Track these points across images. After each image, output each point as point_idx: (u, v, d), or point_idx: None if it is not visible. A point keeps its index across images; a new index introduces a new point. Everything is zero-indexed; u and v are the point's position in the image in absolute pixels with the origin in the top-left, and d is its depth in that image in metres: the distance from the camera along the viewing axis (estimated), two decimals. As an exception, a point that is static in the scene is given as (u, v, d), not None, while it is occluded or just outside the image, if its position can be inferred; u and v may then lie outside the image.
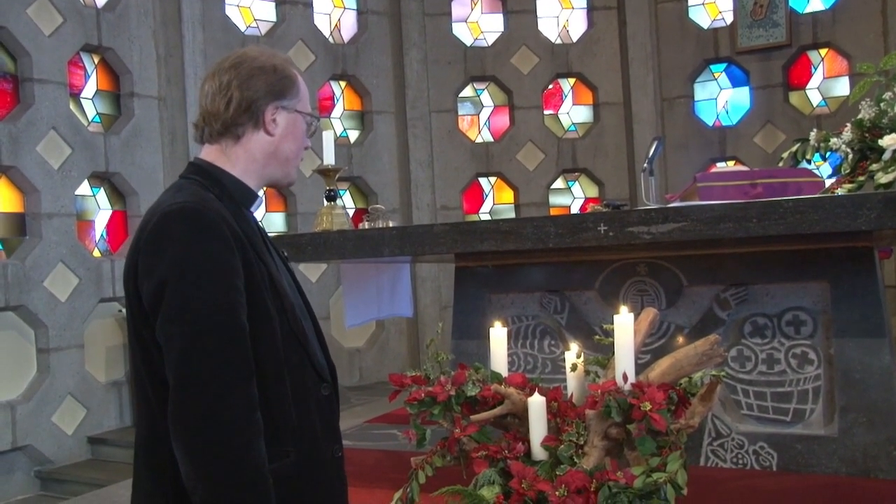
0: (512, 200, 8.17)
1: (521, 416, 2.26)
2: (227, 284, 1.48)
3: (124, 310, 1.65)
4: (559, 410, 2.22)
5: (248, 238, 1.57)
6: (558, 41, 8.18)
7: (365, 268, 4.51)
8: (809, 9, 7.46)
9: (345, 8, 7.95)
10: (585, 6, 8.19)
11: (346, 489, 1.76)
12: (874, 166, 4.06)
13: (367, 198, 7.86)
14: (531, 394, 2.22)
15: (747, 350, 3.39)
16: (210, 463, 1.42)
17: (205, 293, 1.46)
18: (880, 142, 4.05)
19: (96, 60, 6.38)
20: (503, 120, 8.23)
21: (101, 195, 6.40)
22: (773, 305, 3.36)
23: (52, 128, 5.83)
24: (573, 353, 2.40)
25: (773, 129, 7.51)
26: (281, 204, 7.50)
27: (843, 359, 3.20)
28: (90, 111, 6.35)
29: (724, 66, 7.84)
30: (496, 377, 2.36)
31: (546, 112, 8.17)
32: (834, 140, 4.39)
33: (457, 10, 8.15)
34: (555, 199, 8.19)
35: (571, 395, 2.35)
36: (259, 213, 7.11)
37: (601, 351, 2.63)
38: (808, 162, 4.75)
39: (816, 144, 4.59)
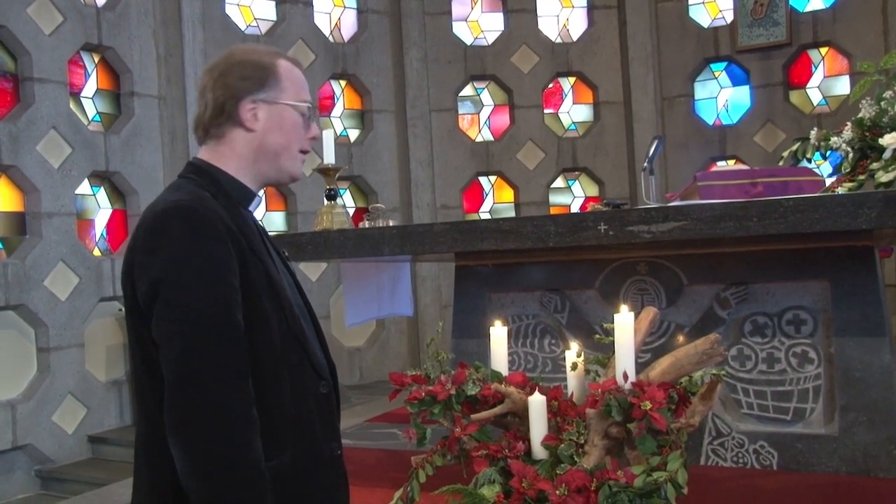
0: (512, 199, 8.17)
1: (522, 415, 2.26)
2: (222, 282, 1.48)
3: (124, 309, 1.64)
4: (559, 409, 2.23)
5: (244, 237, 1.57)
6: (558, 40, 8.18)
7: (365, 267, 4.51)
8: (810, 7, 7.46)
9: (345, 7, 7.95)
10: (585, 5, 8.19)
11: (347, 487, 1.76)
12: (874, 165, 4.06)
13: (368, 197, 7.86)
14: (531, 393, 2.23)
15: (747, 349, 3.39)
16: (206, 461, 1.42)
17: (199, 291, 1.46)
18: (881, 140, 4.05)
19: (96, 59, 6.38)
20: (503, 119, 8.23)
21: (102, 194, 6.40)
22: (773, 304, 3.35)
23: (53, 127, 5.82)
24: (573, 353, 2.40)
25: (773, 128, 7.51)
26: (281, 203, 7.50)
27: (843, 358, 3.20)
28: (90, 110, 6.35)
29: (724, 64, 7.84)
30: (496, 376, 2.36)
31: (546, 111, 8.17)
32: (834, 139, 4.39)
33: (457, 9, 8.14)
34: (555, 199, 8.18)
35: (572, 394, 2.35)
36: (259, 211, 7.12)
37: (601, 350, 2.63)
38: (809, 161, 4.75)
39: (817, 143, 4.59)
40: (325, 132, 4.11)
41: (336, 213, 3.96)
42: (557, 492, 1.94)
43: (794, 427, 3.28)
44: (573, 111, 8.27)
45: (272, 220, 7.43)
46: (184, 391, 1.43)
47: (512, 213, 8.01)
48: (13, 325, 5.62)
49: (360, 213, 7.54)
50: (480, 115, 8.26)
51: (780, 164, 5.01)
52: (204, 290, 1.46)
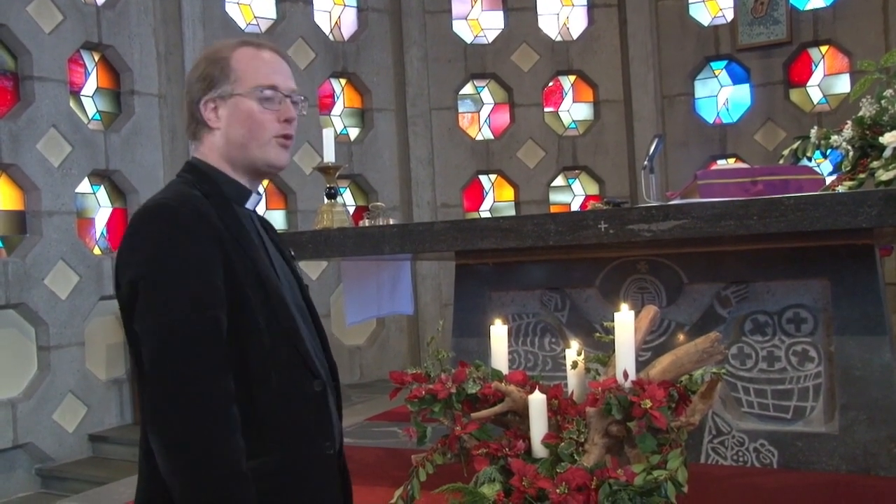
0: (512, 198, 8.17)
1: (522, 413, 2.26)
2: (199, 281, 1.49)
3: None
4: (560, 408, 2.23)
5: (233, 234, 1.57)
6: (559, 39, 8.18)
7: (365, 265, 4.51)
8: (810, 6, 7.46)
9: (345, 5, 7.95)
10: (586, 4, 8.19)
11: (343, 487, 1.75)
12: (875, 164, 4.06)
13: (368, 195, 7.86)
14: (532, 391, 2.23)
15: (748, 347, 3.39)
16: (183, 458, 1.43)
17: (175, 290, 1.47)
18: (881, 139, 4.04)
19: (96, 58, 6.38)
20: (503, 117, 8.22)
21: (102, 193, 6.40)
22: (773, 303, 3.35)
23: (53, 125, 5.83)
24: (574, 351, 2.40)
25: (773, 127, 7.51)
26: (281, 201, 7.50)
27: (843, 356, 3.20)
28: (90, 109, 6.35)
29: (724, 63, 7.84)
30: (497, 375, 2.36)
31: (546, 109, 8.17)
32: (834, 137, 4.38)
33: (457, 8, 8.14)
34: (555, 197, 8.18)
35: (572, 392, 2.35)
36: (259, 209, 7.10)
37: (602, 348, 2.63)
38: (809, 159, 4.75)
39: (817, 142, 4.59)
40: (325, 131, 4.10)
41: (336, 211, 3.96)
42: (558, 490, 1.94)
43: (795, 425, 3.28)
44: (573, 110, 8.27)
45: (272, 218, 7.42)
46: (160, 389, 1.45)
47: (512, 212, 8.01)
48: (13, 323, 5.62)
49: (360, 212, 7.54)
50: (480, 113, 8.26)
51: (781, 162, 5.01)
52: (179, 289, 1.47)
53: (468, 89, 8.20)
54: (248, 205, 1.71)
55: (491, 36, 8.18)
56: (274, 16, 7.55)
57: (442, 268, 7.56)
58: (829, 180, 4.29)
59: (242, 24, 7.37)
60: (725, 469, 3.31)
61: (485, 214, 8.07)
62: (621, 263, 3.59)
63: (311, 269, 7.33)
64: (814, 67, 7.49)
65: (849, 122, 4.35)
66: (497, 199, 8.23)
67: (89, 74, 6.34)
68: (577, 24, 8.23)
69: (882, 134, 4.07)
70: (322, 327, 1.77)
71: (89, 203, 6.31)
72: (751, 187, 3.36)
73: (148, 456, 1.56)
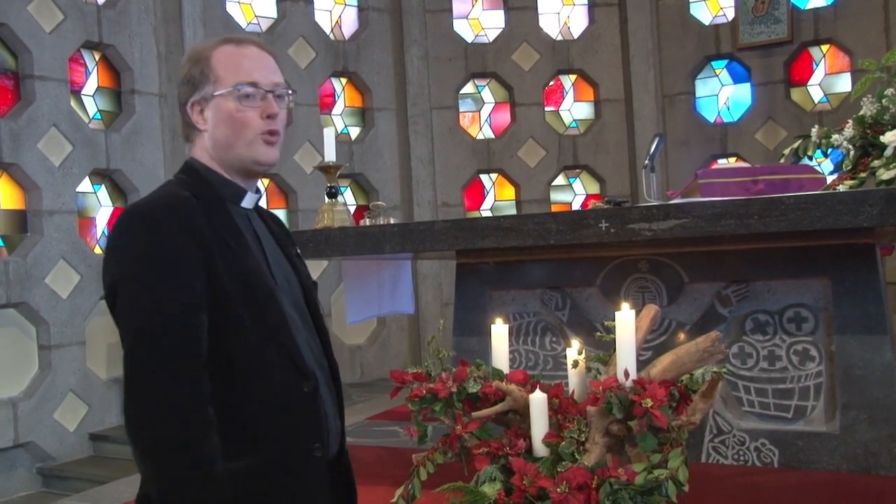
0: (513, 197, 8.17)
1: (523, 412, 2.26)
2: (175, 282, 1.49)
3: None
4: (560, 407, 2.23)
5: (220, 234, 1.57)
6: (559, 38, 8.17)
7: (366, 265, 4.51)
8: (811, 5, 7.45)
9: (346, 4, 7.94)
10: (586, 3, 8.18)
11: (345, 488, 1.74)
12: (876, 163, 4.06)
13: (368, 195, 7.86)
14: (532, 390, 2.23)
15: (748, 347, 3.39)
16: (156, 460, 1.44)
17: (150, 291, 1.49)
18: (882, 138, 4.04)
19: (97, 57, 6.38)
20: (504, 117, 8.22)
21: (102, 192, 6.40)
22: (774, 302, 3.35)
23: (53, 125, 5.82)
24: (574, 350, 2.40)
25: (774, 126, 7.51)
26: (282, 201, 7.50)
27: (844, 355, 3.20)
28: (91, 108, 6.34)
29: (725, 62, 7.83)
30: (497, 374, 2.36)
31: (547, 109, 8.17)
32: (835, 136, 4.38)
33: (458, 7, 8.14)
34: (556, 196, 8.18)
35: (573, 391, 2.35)
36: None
37: (602, 348, 2.63)
38: (810, 158, 4.75)
39: (818, 141, 4.59)
40: (325, 130, 4.10)
41: (337, 210, 3.96)
42: (558, 489, 1.94)
43: (796, 425, 3.28)
44: (574, 109, 8.26)
45: (273, 217, 7.42)
46: (134, 390, 1.46)
47: (513, 211, 8.01)
48: (14, 322, 5.62)
49: (360, 211, 7.54)
50: (481, 112, 8.26)
51: (782, 161, 5.00)
52: (154, 292, 1.48)
53: (469, 88, 8.20)
54: (245, 203, 1.70)
55: (492, 35, 8.18)
56: (274, 15, 7.55)
57: (442, 267, 7.56)
58: (829, 179, 4.29)
59: (243, 24, 7.36)
60: (726, 468, 3.31)
61: (485, 214, 8.07)
62: (622, 262, 3.59)
63: (312, 269, 7.21)
64: (815, 66, 7.48)
65: (850, 121, 4.35)
66: (498, 198, 8.23)
67: (90, 74, 6.34)
68: (578, 23, 8.23)
69: (883, 133, 4.07)
70: (324, 327, 1.76)
71: (90, 202, 6.31)
72: (751, 186, 3.36)
73: None
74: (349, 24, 7.96)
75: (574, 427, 2.14)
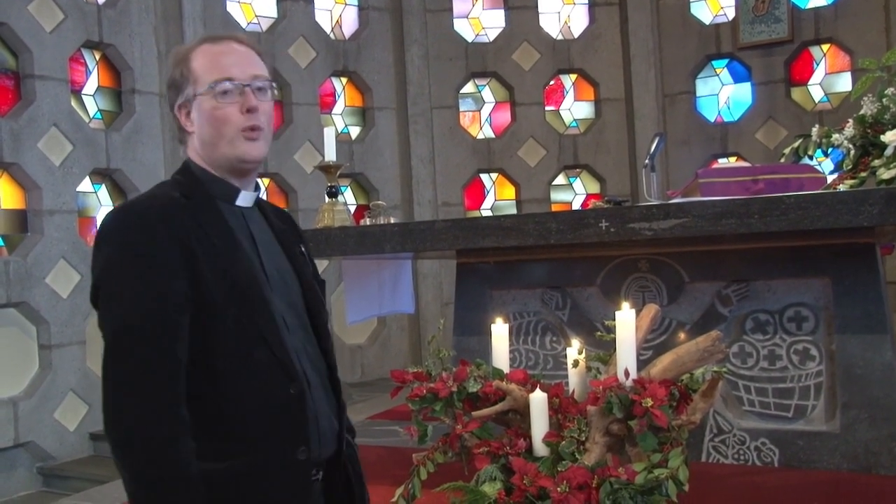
0: (513, 197, 8.17)
1: (523, 412, 2.26)
2: (153, 283, 1.49)
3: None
4: (561, 407, 2.23)
5: (207, 234, 1.57)
6: (560, 37, 8.17)
7: (366, 264, 4.51)
8: (811, 4, 7.44)
9: (346, 4, 7.94)
10: (587, 2, 8.18)
11: (345, 489, 1.73)
12: (876, 162, 4.06)
13: (369, 194, 7.86)
14: (533, 390, 2.22)
15: (749, 346, 3.39)
16: (128, 459, 1.45)
17: (126, 294, 1.50)
18: (882, 138, 4.04)
19: (97, 57, 6.38)
20: (504, 116, 8.22)
21: (103, 192, 6.40)
22: (774, 301, 3.35)
23: (54, 124, 5.83)
24: (575, 350, 2.40)
25: (774, 125, 7.50)
26: (282, 200, 7.50)
27: (844, 355, 3.20)
28: (91, 108, 6.35)
29: (725, 61, 7.83)
30: (498, 373, 2.36)
31: (547, 108, 8.17)
32: (836, 136, 4.39)
33: (458, 6, 8.13)
34: (556, 196, 8.18)
35: (573, 391, 2.35)
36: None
37: (603, 347, 2.63)
38: (810, 158, 4.75)
39: (818, 140, 4.59)
40: (326, 129, 4.10)
41: (337, 210, 3.96)
42: (559, 489, 1.94)
43: (796, 424, 3.28)
44: (574, 108, 8.26)
45: (273, 217, 7.41)
46: (109, 392, 1.47)
47: (513, 211, 8.01)
48: (15, 322, 5.62)
49: (361, 211, 7.55)
50: (481, 112, 8.26)
51: (782, 161, 5.00)
52: (129, 293, 1.50)
53: (469, 88, 8.20)
54: (240, 202, 1.69)
55: (492, 34, 8.18)
56: (275, 14, 7.55)
57: (443, 266, 7.56)
58: (830, 179, 4.29)
59: (243, 23, 7.36)
60: (726, 468, 3.31)
61: (486, 213, 8.07)
62: (622, 262, 3.59)
63: (313, 268, 7.31)
64: (815, 66, 7.48)
65: (850, 120, 4.35)
66: (498, 197, 8.22)
67: (90, 73, 6.34)
68: (578, 22, 8.22)
69: (883, 132, 4.07)
70: (324, 327, 1.74)
71: (90, 202, 6.31)
72: (752, 186, 3.36)
73: None
74: (349, 24, 7.96)
75: (574, 426, 2.14)
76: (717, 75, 7.88)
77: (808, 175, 3.49)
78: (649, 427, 1.99)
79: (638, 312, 2.25)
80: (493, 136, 8.19)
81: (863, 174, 4.10)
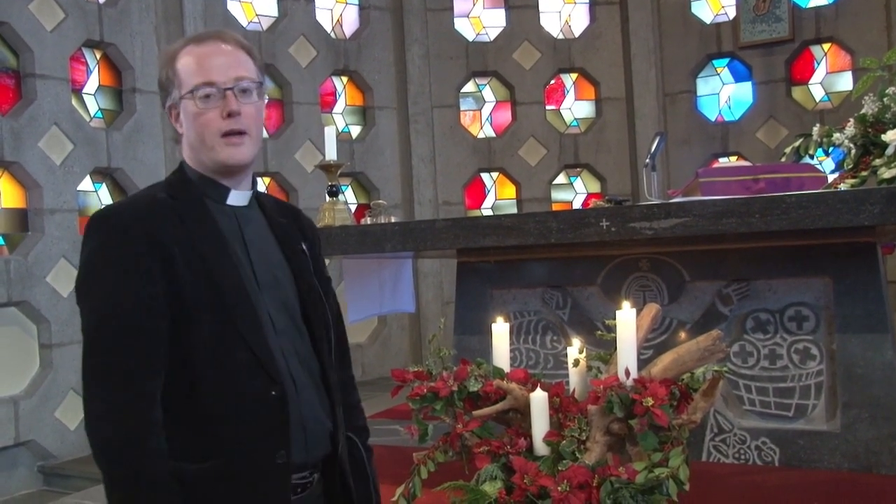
0: (514, 196, 8.17)
1: (524, 411, 2.26)
2: (122, 287, 1.51)
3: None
4: (561, 406, 2.22)
5: (190, 235, 1.56)
6: (560, 36, 8.17)
7: (367, 263, 4.51)
8: (812, 3, 7.44)
9: (347, 3, 7.94)
10: (587, 1, 8.18)
11: (341, 491, 1.72)
12: (877, 161, 4.06)
13: (369, 193, 7.86)
14: (533, 389, 2.22)
15: (749, 345, 3.39)
16: (103, 460, 1.47)
17: (100, 295, 1.52)
18: (883, 137, 4.05)
19: (98, 56, 6.38)
20: (505, 115, 8.22)
21: (104, 191, 6.40)
22: (775, 301, 3.35)
23: (54, 123, 5.83)
24: (575, 349, 2.40)
25: (775, 125, 7.50)
26: (283, 199, 7.49)
27: (845, 354, 3.20)
28: (92, 107, 6.35)
29: (726, 61, 7.82)
30: (498, 373, 2.36)
31: (548, 107, 8.16)
32: (837, 135, 4.39)
33: (459, 6, 8.13)
34: (557, 195, 8.18)
35: (573, 390, 2.35)
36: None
37: (603, 346, 2.63)
38: (811, 157, 4.75)
39: (819, 139, 4.59)
40: (326, 129, 4.11)
41: (338, 209, 3.96)
42: (559, 488, 1.94)
43: (796, 423, 3.28)
44: (575, 107, 8.26)
45: (274, 216, 7.41)
46: (85, 392, 1.50)
47: (514, 210, 8.01)
48: (15, 321, 5.62)
49: (361, 210, 7.55)
50: (482, 111, 8.26)
51: (783, 160, 5.01)
52: (103, 295, 1.52)
53: (470, 87, 8.20)
54: (231, 201, 1.67)
55: (493, 34, 8.17)
56: (275, 13, 7.54)
57: (443, 266, 7.56)
58: (831, 178, 4.29)
59: (244, 22, 7.36)
60: (727, 467, 3.31)
61: (486, 212, 8.07)
62: (623, 261, 3.59)
63: (313, 267, 7.31)
64: (816, 65, 7.47)
65: (851, 119, 4.35)
66: (499, 196, 8.22)
67: (91, 72, 6.34)
68: (579, 21, 8.22)
69: (884, 132, 4.07)
70: (321, 326, 1.72)
71: (91, 201, 6.31)
72: (752, 185, 3.36)
73: None
74: (350, 23, 7.96)
75: (575, 426, 2.14)
76: (718, 74, 7.88)
77: (809, 174, 3.49)
78: (650, 426, 1.99)
79: (638, 312, 2.25)
80: (493, 135, 8.19)
81: (864, 173, 4.10)
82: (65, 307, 5.80)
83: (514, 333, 3.76)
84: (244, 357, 1.55)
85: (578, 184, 8.25)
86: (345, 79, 7.90)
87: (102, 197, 6.39)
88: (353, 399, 1.97)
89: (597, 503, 1.92)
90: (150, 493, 1.45)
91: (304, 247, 1.78)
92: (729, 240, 3.25)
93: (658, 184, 3.75)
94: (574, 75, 8.20)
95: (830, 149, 4.61)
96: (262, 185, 7.19)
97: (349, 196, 7.81)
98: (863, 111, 4.28)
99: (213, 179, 1.66)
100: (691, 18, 7.88)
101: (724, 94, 7.87)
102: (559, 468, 2.04)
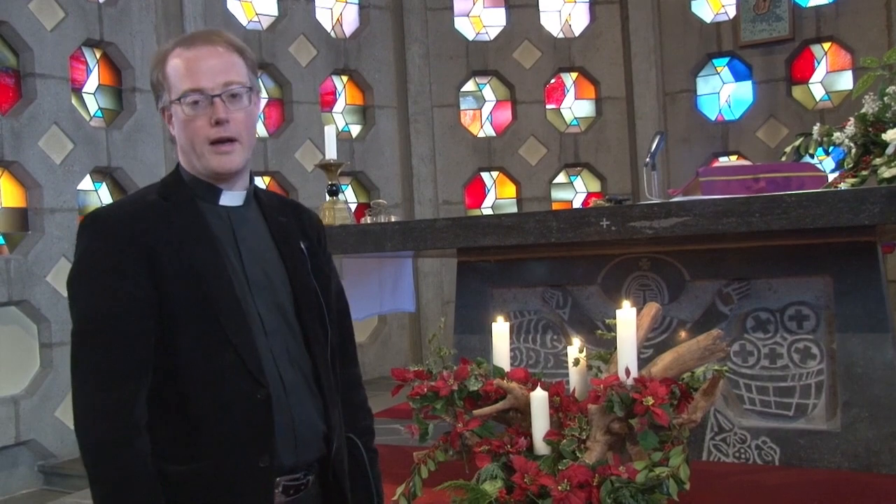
0: (514, 195, 8.17)
1: (524, 410, 2.26)
2: (105, 289, 1.53)
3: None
4: (561, 405, 2.23)
5: (180, 235, 1.56)
6: (560, 35, 8.17)
7: (367, 263, 4.51)
8: (812, 3, 7.43)
9: (347, 2, 7.94)
10: (587, 0, 8.18)
11: (337, 492, 1.70)
12: (877, 161, 4.06)
13: (369, 193, 7.86)
14: (533, 388, 2.23)
15: (750, 345, 3.39)
16: (88, 459, 1.49)
17: (85, 297, 1.56)
18: (884, 136, 4.04)
19: (98, 55, 6.38)
20: (505, 114, 8.22)
21: (104, 190, 6.40)
22: (775, 300, 3.35)
23: (54, 123, 5.82)
24: (575, 348, 2.41)
25: (775, 124, 7.50)
26: (285, 196, 7.49)
27: (845, 353, 3.20)
28: (92, 106, 6.34)
29: (726, 60, 7.82)
30: (498, 372, 2.36)
31: (548, 107, 8.16)
32: (837, 134, 4.38)
33: (459, 5, 8.13)
34: (557, 194, 8.18)
35: (574, 389, 2.35)
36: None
37: (603, 346, 2.63)
38: (811, 156, 4.75)
39: (819, 139, 4.59)
40: (326, 128, 4.11)
41: (338, 208, 3.96)
42: (559, 487, 1.94)
43: (797, 423, 3.28)
44: (575, 107, 8.26)
45: (274, 215, 7.41)
46: (73, 393, 1.53)
47: (514, 209, 8.01)
48: (16, 320, 5.62)
49: (361, 209, 7.54)
50: (482, 110, 8.26)
51: (783, 159, 5.00)
52: (88, 297, 1.56)
53: (470, 86, 8.20)
54: (224, 201, 1.66)
55: (493, 33, 8.17)
56: (275, 13, 7.54)
57: (443, 265, 7.56)
58: (831, 177, 4.28)
59: (244, 21, 7.36)
60: (727, 466, 3.31)
61: (486, 211, 8.07)
62: (623, 261, 3.59)
63: (313, 267, 7.31)
64: (816, 64, 7.47)
65: (851, 118, 4.35)
66: (499, 196, 8.22)
67: (91, 71, 6.34)
68: (579, 20, 8.22)
69: (885, 131, 4.07)
70: (316, 326, 1.68)
71: (91, 200, 6.31)
72: (753, 184, 3.36)
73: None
74: (350, 22, 7.96)
75: (575, 425, 2.14)
76: (718, 73, 7.87)
77: (809, 174, 3.49)
78: (650, 425, 1.99)
79: (639, 311, 2.25)
80: (493, 134, 8.19)
81: (864, 173, 4.09)
82: (65, 306, 5.74)
83: (515, 333, 3.76)
84: (230, 359, 1.54)
85: (578, 183, 8.25)
86: (345, 78, 7.90)
87: (102, 196, 6.39)
88: (359, 397, 1.91)
89: (597, 502, 1.93)
90: (133, 494, 1.46)
91: (302, 245, 1.74)
92: (729, 239, 3.25)
93: (658, 183, 3.75)
94: (574, 74, 8.20)
95: (831, 148, 4.60)
96: (262, 184, 7.19)
97: (349, 195, 7.81)
98: (863, 110, 4.28)
99: (205, 181, 1.65)
100: (691, 17, 7.88)
101: (724, 93, 7.86)
102: (559, 467, 2.04)
